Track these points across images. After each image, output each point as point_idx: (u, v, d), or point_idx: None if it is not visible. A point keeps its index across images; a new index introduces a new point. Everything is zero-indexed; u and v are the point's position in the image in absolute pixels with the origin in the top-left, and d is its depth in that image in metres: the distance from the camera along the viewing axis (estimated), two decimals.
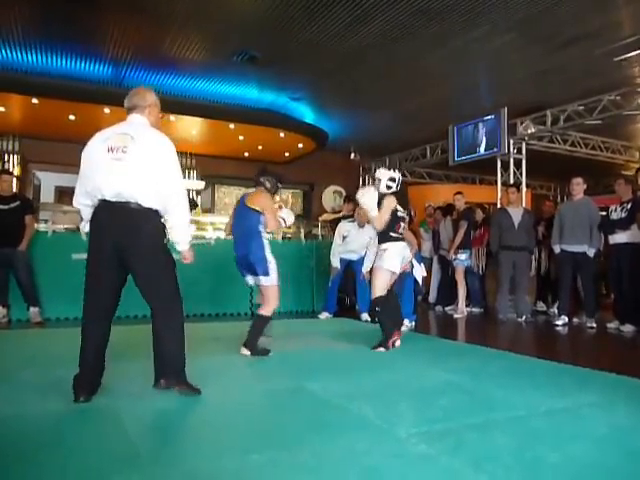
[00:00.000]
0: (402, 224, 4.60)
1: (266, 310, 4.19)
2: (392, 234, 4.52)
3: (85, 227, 2.94)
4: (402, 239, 4.61)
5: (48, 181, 11.57)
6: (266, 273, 4.09)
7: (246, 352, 4.10)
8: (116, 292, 2.85)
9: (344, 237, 6.63)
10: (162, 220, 2.85)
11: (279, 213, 4.40)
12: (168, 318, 2.85)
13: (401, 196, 4.63)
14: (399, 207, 4.55)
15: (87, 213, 2.89)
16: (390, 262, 4.47)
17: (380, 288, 4.46)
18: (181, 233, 2.87)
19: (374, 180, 4.86)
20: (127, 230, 2.74)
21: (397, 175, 4.64)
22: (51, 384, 2.98)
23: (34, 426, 2.39)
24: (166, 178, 2.77)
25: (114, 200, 2.72)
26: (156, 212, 2.80)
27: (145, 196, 2.73)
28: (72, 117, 8.97)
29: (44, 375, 3.24)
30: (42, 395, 2.81)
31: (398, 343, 4.49)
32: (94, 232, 2.81)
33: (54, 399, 2.74)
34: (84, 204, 2.88)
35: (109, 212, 2.74)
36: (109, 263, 2.76)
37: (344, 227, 6.72)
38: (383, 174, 4.64)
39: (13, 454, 2.04)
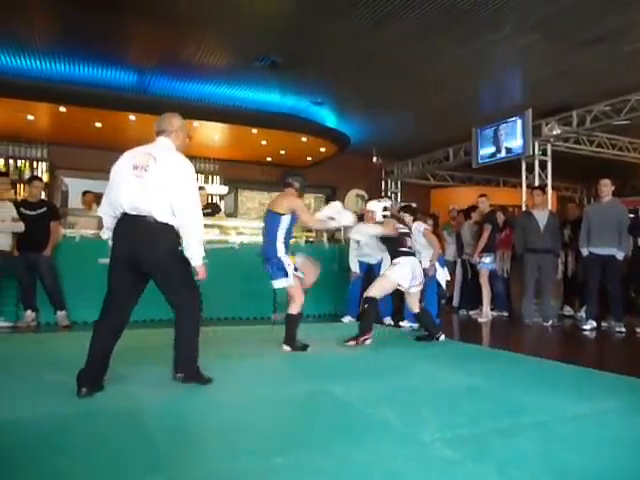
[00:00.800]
0: (407, 239, 5.05)
1: (292, 309, 4.54)
2: (401, 249, 4.95)
3: (104, 234, 3.24)
4: (412, 253, 5.03)
5: (76, 187, 11.76)
6: (284, 275, 4.37)
7: (287, 348, 4.45)
8: (128, 297, 3.08)
9: (358, 242, 6.68)
10: (178, 234, 3.08)
11: (326, 211, 4.68)
12: (184, 317, 3.12)
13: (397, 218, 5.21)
14: (399, 225, 5.03)
15: (108, 222, 3.17)
16: (398, 274, 4.87)
17: (377, 291, 4.86)
18: (195, 250, 3.07)
19: (369, 212, 5.23)
20: (141, 241, 2.99)
21: (388, 204, 5.16)
22: (75, 386, 3.03)
23: (57, 427, 2.44)
24: (182, 197, 3.00)
25: (133, 213, 2.98)
26: (171, 227, 3.03)
27: (160, 212, 2.97)
28: (98, 124, 9.11)
29: (69, 377, 3.29)
30: (67, 396, 2.85)
31: (368, 342, 4.79)
32: (114, 241, 3.09)
33: (79, 400, 2.80)
34: (106, 213, 3.16)
35: (127, 224, 3.02)
36: (125, 270, 3.02)
37: None
38: (375, 207, 5.11)
39: (33, 455, 2.08)
